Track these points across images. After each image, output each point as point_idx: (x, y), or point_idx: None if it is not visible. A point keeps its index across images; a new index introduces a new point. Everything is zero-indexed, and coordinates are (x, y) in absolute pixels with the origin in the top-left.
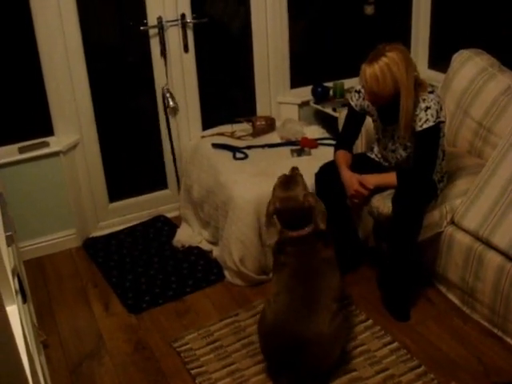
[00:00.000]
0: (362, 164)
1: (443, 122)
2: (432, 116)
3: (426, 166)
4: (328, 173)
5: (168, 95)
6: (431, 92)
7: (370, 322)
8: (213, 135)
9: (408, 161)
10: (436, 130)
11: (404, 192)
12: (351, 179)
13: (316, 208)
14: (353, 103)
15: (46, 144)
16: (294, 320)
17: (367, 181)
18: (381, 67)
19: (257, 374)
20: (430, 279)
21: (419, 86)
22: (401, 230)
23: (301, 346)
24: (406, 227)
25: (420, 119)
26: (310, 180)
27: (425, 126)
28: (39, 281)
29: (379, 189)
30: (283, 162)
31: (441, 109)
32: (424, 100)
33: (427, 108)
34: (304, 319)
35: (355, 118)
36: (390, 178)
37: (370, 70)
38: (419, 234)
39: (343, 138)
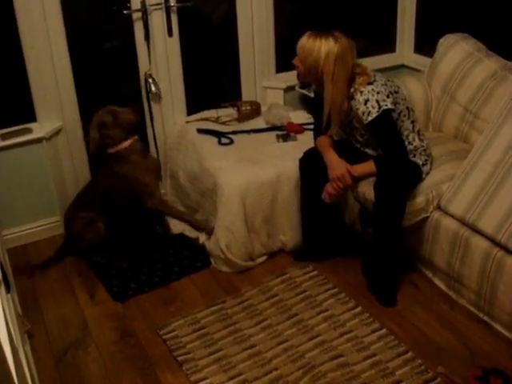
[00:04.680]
0: (343, 150)
1: (390, 109)
2: (373, 107)
3: (392, 151)
4: (312, 158)
5: (150, 80)
6: (370, 83)
7: (359, 308)
8: (197, 120)
9: (372, 144)
10: (383, 118)
11: (385, 177)
12: (339, 164)
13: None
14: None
15: (29, 130)
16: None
17: (354, 169)
18: (313, 44)
19: (244, 361)
20: (416, 264)
21: (360, 78)
22: (384, 215)
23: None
24: (388, 212)
25: (363, 113)
26: (295, 165)
27: (369, 119)
28: (23, 269)
29: (362, 178)
30: (269, 147)
31: (387, 96)
32: (361, 93)
33: (366, 101)
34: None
35: (321, 102)
36: (369, 166)
37: (304, 40)
38: (402, 218)
39: (318, 125)
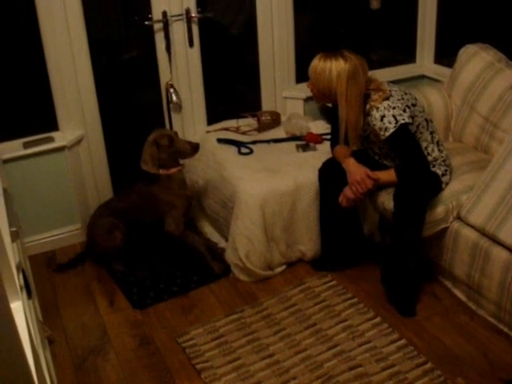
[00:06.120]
0: (362, 161)
1: (407, 123)
2: (390, 123)
3: (412, 163)
4: (331, 168)
5: (171, 90)
6: (386, 98)
7: (378, 319)
8: (218, 130)
9: (390, 155)
10: (401, 133)
11: (405, 188)
12: (359, 168)
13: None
14: None
15: (51, 139)
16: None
17: (374, 173)
18: (324, 66)
19: (262, 370)
20: (436, 275)
21: (375, 95)
22: (403, 225)
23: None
24: (408, 223)
25: (380, 128)
26: (315, 174)
27: (387, 134)
28: (44, 276)
29: (381, 186)
30: (288, 157)
31: (404, 110)
32: (377, 109)
33: (382, 117)
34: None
35: (338, 115)
36: (390, 174)
37: (315, 62)
38: (422, 229)
39: (335, 135)
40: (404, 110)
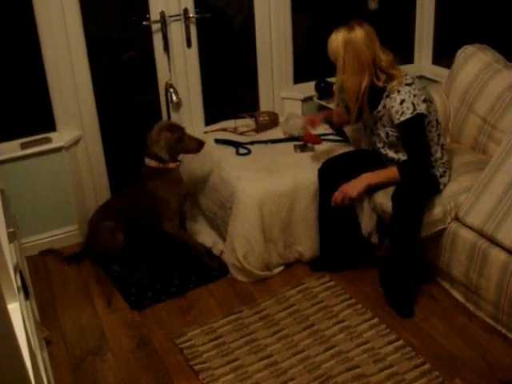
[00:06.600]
0: (361, 160)
1: (423, 114)
2: (408, 109)
3: (417, 157)
4: (331, 168)
5: (171, 90)
6: (409, 84)
7: (376, 320)
8: (215, 131)
9: (396, 145)
10: (415, 121)
11: (403, 188)
12: (354, 181)
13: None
14: None
15: (49, 140)
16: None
17: (351, 190)
18: (333, 41)
19: (260, 371)
20: (434, 276)
21: (396, 80)
22: (401, 226)
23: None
24: (405, 224)
25: (397, 112)
26: (313, 175)
27: (402, 119)
28: (42, 277)
29: (381, 186)
30: (286, 157)
31: (423, 101)
32: (399, 92)
33: (402, 101)
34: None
35: None
36: (390, 172)
37: (330, 40)
38: (420, 230)
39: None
40: (423, 101)
